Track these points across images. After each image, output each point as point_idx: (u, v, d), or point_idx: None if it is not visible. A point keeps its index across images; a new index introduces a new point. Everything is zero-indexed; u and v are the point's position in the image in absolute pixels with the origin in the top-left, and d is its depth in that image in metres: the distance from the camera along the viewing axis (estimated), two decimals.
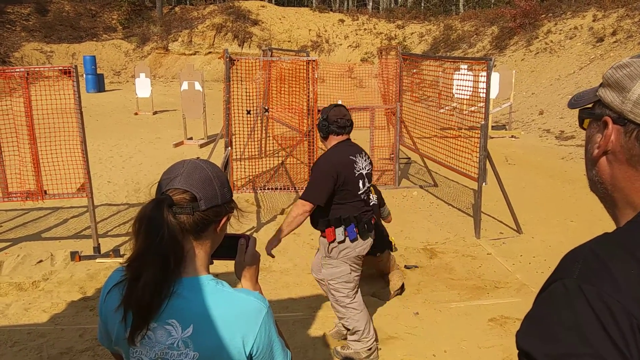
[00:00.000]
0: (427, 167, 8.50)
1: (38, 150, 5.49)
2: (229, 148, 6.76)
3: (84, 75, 21.13)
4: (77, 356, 3.95)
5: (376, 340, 3.98)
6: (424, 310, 4.61)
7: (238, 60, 7.40)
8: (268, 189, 8.03)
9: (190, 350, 1.31)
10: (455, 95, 9.64)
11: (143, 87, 15.21)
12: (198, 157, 1.48)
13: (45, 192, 5.65)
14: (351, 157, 3.70)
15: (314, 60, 7.65)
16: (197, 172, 1.38)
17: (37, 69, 5.74)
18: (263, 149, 10.07)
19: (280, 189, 8.06)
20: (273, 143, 10.54)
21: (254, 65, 8.64)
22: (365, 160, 3.78)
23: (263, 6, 32.33)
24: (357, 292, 3.87)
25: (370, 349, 3.89)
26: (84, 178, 5.60)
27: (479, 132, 6.40)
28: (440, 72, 10.11)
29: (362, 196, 3.73)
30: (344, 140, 3.77)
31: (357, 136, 10.47)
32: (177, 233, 1.31)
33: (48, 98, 5.91)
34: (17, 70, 5.41)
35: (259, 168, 8.63)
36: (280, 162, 9.21)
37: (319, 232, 3.77)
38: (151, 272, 1.28)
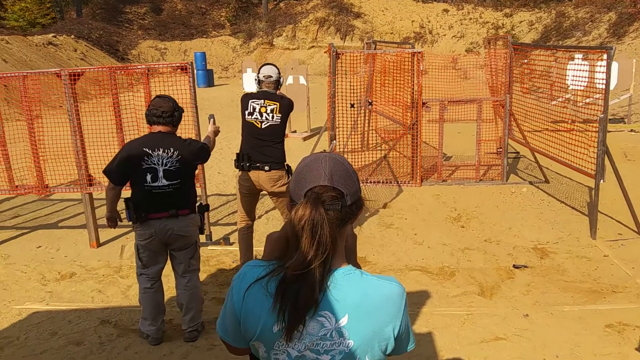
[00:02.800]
0: (537, 162, 8.11)
1: None
2: (334, 141, 6.83)
3: (195, 71, 22.18)
4: None
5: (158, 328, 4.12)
6: (534, 313, 4.42)
7: (343, 54, 7.44)
8: (370, 182, 8.04)
9: (345, 339, 1.36)
10: (570, 87, 9.13)
11: (250, 81, 15.69)
12: (324, 150, 1.50)
13: None
14: (145, 149, 3.86)
15: (419, 52, 7.55)
16: (338, 168, 1.40)
17: (156, 66, 6.10)
18: (365, 142, 10.07)
19: (383, 182, 8.03)
20: (375, 136, 10.51)
21: (358, 58, 8.65)
22: (167, 156, 3.89)
23: None
24: (146, 271, 4.05)
25: (147, 335, 4.09)
26: (198, 169, 5.89)
27: (596, 125, 6.01)
28: (552, 62, 9.61)
29: (151, 189, 3.87)
30: (154, 131, 3.97)
31: (463, 129, 10.26)
32: (334, 230, 1.34)
33: (163, 93, 6.25)
34: (139, 67, 5.79)
35: (361, 161, 8.65)
36: (382, 155, 9.17)
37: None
38: (318, 271, 1.33)
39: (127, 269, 5.48)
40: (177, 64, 5.80)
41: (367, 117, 10.13)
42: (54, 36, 25.54)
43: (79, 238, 6.31)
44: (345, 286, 1.38)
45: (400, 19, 30.20)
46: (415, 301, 4.66)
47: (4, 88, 12.00)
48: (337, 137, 7.29)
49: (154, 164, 3.86)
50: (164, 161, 3.88)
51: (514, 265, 5.31)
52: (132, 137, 5.88)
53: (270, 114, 4.85)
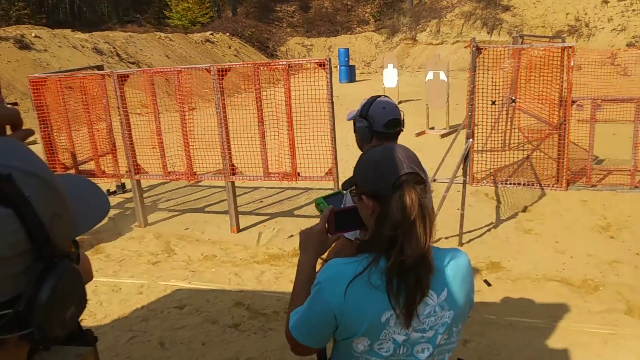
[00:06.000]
0: None
1: (295, 136, 6.05)
2: (471, 140, 6.60)
3: (338, 67, 22.62)
4: None
5: None
6: None
7: (485, 49, 7.15)
8: (510, 183, 7.65)
9: (446, 312, 1.42)
10: None
11: (390, 77, 15.68)
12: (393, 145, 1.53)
13: (298, 174, 6.20)
14: None
15: (570, 47, 7.03)
16: (411, 155, 1.45)
17: (296, 62, 6.32)
18: (507, 141, 9.61)
19: (524, 184, 7.60)
20: (518, 135, 9.98)
21: (503, 53, 8.26)
22: None
23: None
24: None
25: None
26: (331, 163, 6.02)
27: None
28: None
29: None
30: None
31: (619, 130, 9.43)
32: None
33: (304, 88, 6.45)
34: (280, 63, 6.03)
35: (501, 161, 8.27)
36: (525, 156, 8.70)
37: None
38: (429, 252, 1.37)
39: (262, 255, 5.76)
40: (316, 60, 5.95)
41: (509, 115, 9.66)
42: (211, 34, 27.46)
43: (222, 223, 6.74)
44: (438, 262, 1.42)
45: (553, 11, 28.31)
46: (553, 314, 4.36)
47: (166, 82, 13.13)
48: (476, 135, 7.04)
49: None
50: None
51: None
52: (271, 129, 6.17)
53: None
